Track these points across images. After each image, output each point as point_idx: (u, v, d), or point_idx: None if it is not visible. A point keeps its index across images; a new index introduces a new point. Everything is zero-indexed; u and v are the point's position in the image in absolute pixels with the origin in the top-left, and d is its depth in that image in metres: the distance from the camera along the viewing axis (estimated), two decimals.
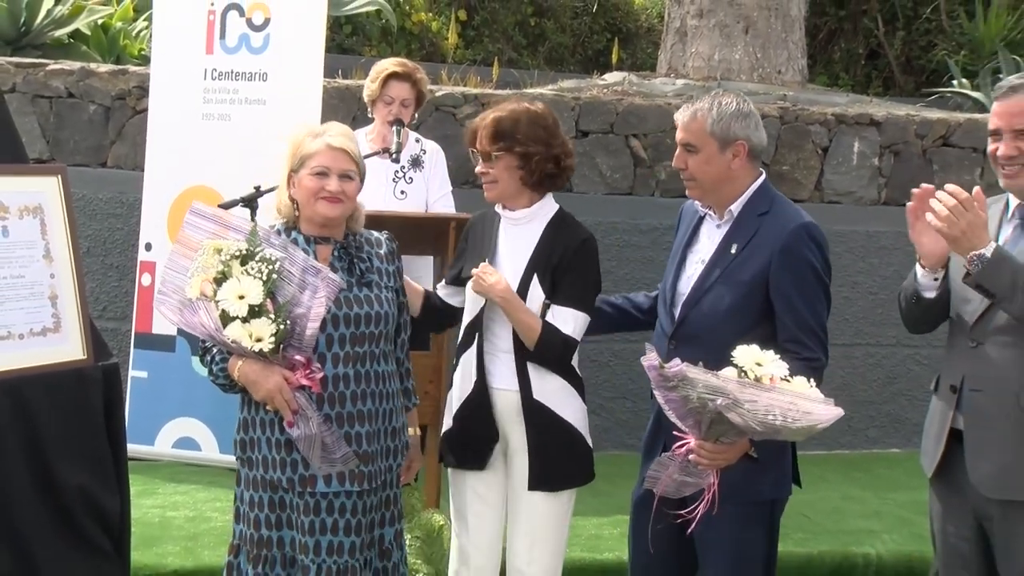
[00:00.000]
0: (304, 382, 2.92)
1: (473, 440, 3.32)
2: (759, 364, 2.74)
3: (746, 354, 2.76)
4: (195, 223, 3.04)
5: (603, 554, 4.52)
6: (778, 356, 2.79)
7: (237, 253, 2.89)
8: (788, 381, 2.74)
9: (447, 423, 3.40)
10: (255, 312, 2.85)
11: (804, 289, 3.05)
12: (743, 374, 2.73)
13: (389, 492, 3.20)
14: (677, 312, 3.20)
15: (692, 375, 2.74)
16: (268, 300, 2.86)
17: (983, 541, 2.95)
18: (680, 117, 3.19)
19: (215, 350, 3.06)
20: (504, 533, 3.38)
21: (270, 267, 2.87)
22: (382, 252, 3.22)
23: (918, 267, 3.00)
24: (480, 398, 3.28)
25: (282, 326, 2.86)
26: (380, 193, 4.84)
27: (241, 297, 2.85)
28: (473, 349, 3.31)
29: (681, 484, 2.97)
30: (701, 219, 3.27)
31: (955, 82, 9.83)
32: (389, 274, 3.20)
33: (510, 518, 3.34)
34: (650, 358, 2.79)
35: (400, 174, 4.88)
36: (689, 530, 2.97)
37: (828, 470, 5.90)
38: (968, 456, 2.89)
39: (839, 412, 2.73)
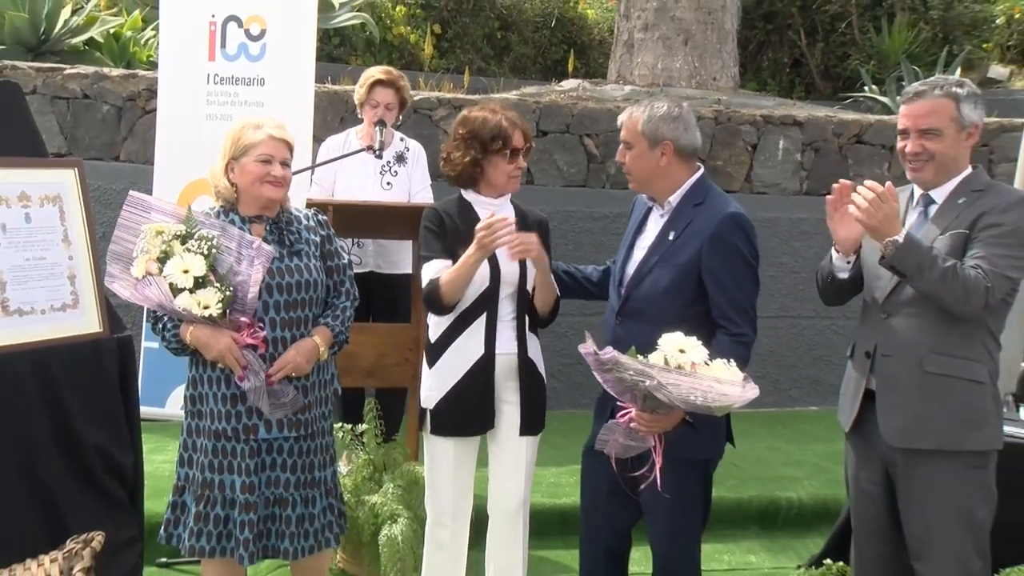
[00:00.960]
0: (250, 341, 2.96)
1: (479, 405, 3.26)
2: (682, 351, 2.73)
3: (670, 342, 2.75)
4: (133, 210, 3.06)
5: (561, 499, 4.55)
6: (700, 342, 2.77)
7: (177, 234, 2.94)
8: (708, 365, 2.74)
9: (437, 395, 3.28)
10: (200, 283, 2.90)
11: (733, 271, 3.04)
12: (668, 361, 2.72)
13: (327, 439, 3.23)
14: (623, 292, 3.20)
15: (623, 360, 2.74)
16: (210, 272, 2.91)
17: (889, 484, 2.98)
18: (620, 117, 3.21)
19: (166, 319, 3.07)
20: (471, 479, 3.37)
21: (209, 243, 2.92)
22: (310, 225, 3.21)
23: (834, 252, 3.02)
24: (489, 364, 3.24)
25: (227, 293, 2.90)
26: (369, 184, 4.84)
27: (186, 271, 2.89)
28: (482, 321, 3.24)
29: (626, 447, 2.97)
30: (649, 210, 3.27)
31: (866, 88, 9.90)
32: (315, 244, 3.18)
33: (496, 462, 3.34)
34: (587, 346, 2.79)
35: (386, 168, 4.88)
36: (656, 484, 2.95)
37: (755, 425, 5.95)
38: (879, 412, 2.91)
39: (753, 393, 2.73)
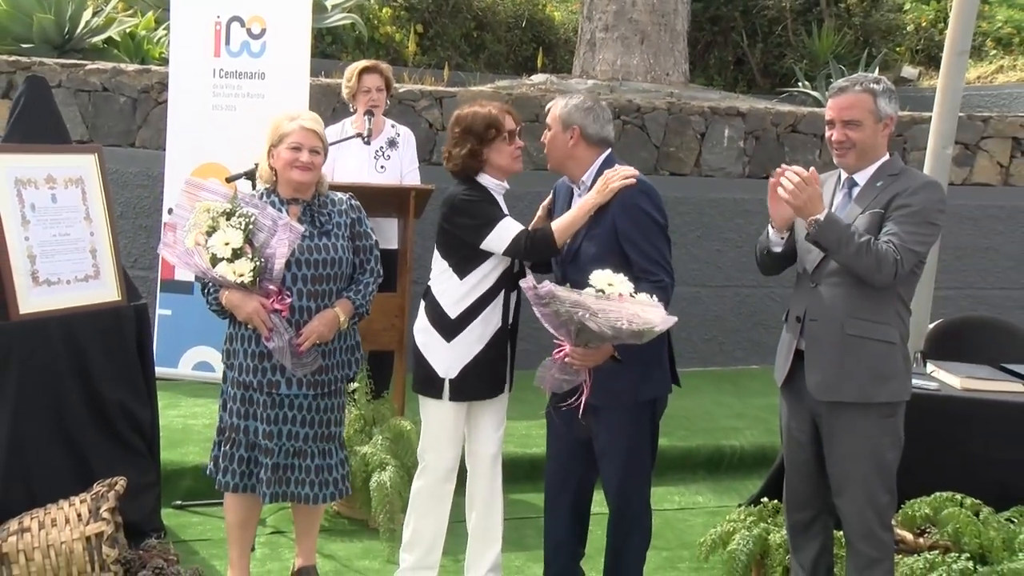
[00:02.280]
0: (276, 306, 2.99)
1: (497, 371, 3.23)
2: (611, 284, 2.77)
3: (600, 277, 2.79)
4: (189, 191, 3.11)
5: (531, 449, 4.58)
6: (627, 278, 2.81)
7: (223, 211, 2.97)
8: (633, 296, 2.77)
9: (459, 365, 3.19)
10: (237, 254, 2.93)
11: (643, 230, 3.03)
12: (600, 292, 2.76)
13: (342, 399, 3.26)
14: (562, 267, 3.20)
15: (559, 293, 2.75)
16: (247, 244, 2.94)
17: (815, 433, 3.02)
18: (548, 106, 3.24)
19: (210, 285, 3.10)
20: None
21: (247, 220, 2.96)
22: (343, 208, 3.22)
23: (770, 228, 3.03)
24: (505, 334, 3.21)
25: (258, 263, 2.94)
26: (365, 168, 4.83)
27: (226, 243, 2.93)
28: (502, 296, 3.20)
29: (562, 381, 2.96)
30: (572, 192, 3.27)
31: (800, 84, 9.97)
32: (345, 225, 3.19)
33: (482, 415, 3.30)
34: (527, 281, 2.81)
35: (380, 152, 4.88)
36: (580, 413, 2.97)
37: (703, 382, 6.01)
38: (807, 370, 2.94)
39: (672, 319, 2.77)
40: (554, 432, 3.29)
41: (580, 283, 2.94)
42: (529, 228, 3.17)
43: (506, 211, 3.21)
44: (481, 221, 3.13)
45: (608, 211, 3.05)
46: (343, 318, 3.12)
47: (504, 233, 3.11)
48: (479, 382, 3.23)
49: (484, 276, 3.19)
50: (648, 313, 2.74)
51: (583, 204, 3.06)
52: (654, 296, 2.81)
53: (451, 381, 3.21)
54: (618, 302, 2.73)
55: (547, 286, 2.75)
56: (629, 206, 3.03)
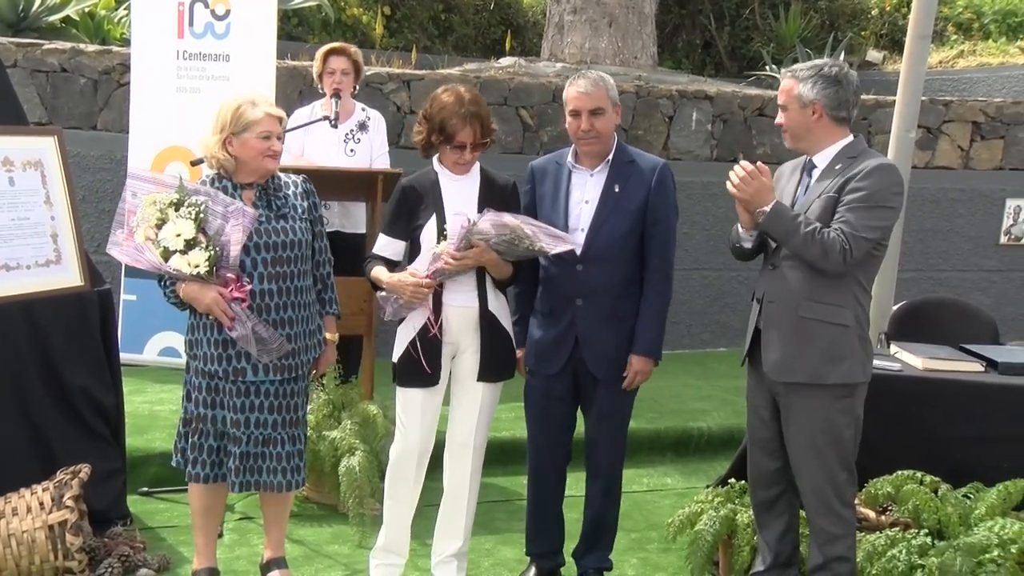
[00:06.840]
0: (236, 294, 2.94)
1: (431, 360, 3.17)
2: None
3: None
4: (134, 185, 3.02)
5: (501, 433, 4.56)
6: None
7: (171, 202, 2.91)
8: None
9: (399, 351, 3.21)
10: (190, 245, 2.88)
11: (670, 209, 3.27)
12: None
13: (306, 382, 3.24)
14: (580, 242, 3.22)
15: (509, 221, 3.03)
16: (200, 234, 2.89)
17: (777, 411, 3.05)
18: (585, 87, 3.17)
19: (166, 278, 3.04)
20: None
21: (197, 208, 2.90)
22: (297, 191, 3.17)
23: (740, 228, 3.05)
24: (443, 317, 3.17)
25: (212, 252, 2.88)
26: (334, 151, 4.79)
27: (178, 235, 2.88)
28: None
29: (401, 309, 3.15)
30: (570, 172, 3.29)
31: (767, 67, 10.02)
32: (304, 208, 3.15)
33: (456, 404, 3.29)
34: (461, 221, 3.04)
35: (350, 136, 4.84)
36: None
37: (671, 365, 5.92)
38: (763, 351, 2.98)
39: (569, 245, 3.09)
40: (531, 402, 3.42)
41: (603, 257, 3.19)
42: (376, 255, 3.24)
43: (444, 198, 3.15)
44: (382, 220, 3.27)
45: (639, 189, 3.21)
46: (333, 336, 3.26)
47: (376, 244, 3.27)
48: (411, 370, 3.19)
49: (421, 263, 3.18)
50: (551, 241, 3.08)
51: (401, 287, 3.09)
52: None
53: (394, 365, 3.25)
54: (535, 229, 3.06)
55: (502, 218, 3.03)
56: (664, 185, 3.23)
